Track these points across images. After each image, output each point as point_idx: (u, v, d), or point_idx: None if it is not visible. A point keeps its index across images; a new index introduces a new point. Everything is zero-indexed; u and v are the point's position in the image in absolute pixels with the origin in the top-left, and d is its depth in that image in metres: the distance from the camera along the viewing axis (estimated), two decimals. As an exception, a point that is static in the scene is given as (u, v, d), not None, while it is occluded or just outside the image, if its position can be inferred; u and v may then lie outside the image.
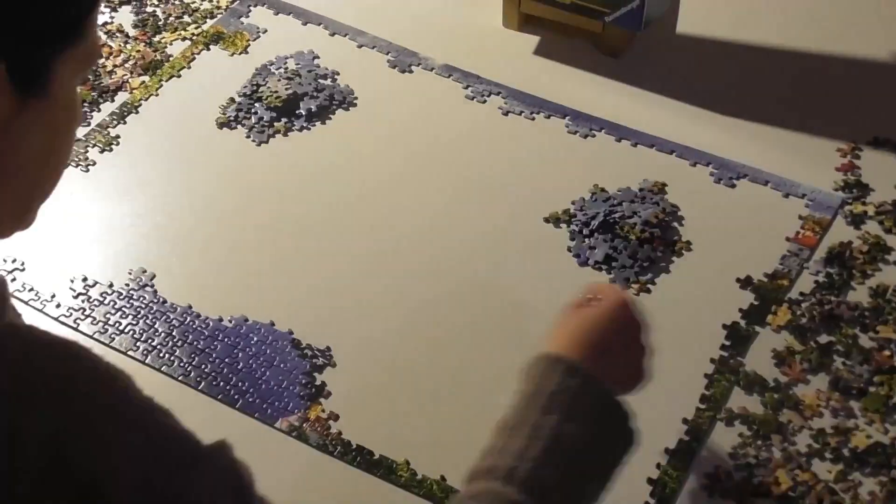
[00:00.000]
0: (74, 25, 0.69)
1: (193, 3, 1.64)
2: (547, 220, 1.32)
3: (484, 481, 0.82)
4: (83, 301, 1.25)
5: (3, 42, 0.65)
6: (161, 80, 1.52)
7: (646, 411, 1.12)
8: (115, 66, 1.53)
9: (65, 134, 0.75)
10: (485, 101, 1.48)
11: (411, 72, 1.53)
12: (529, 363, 0.88)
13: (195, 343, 1.21)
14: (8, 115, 0.67)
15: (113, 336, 1.22)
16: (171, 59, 1.55)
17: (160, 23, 1.61)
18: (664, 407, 1.13)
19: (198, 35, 1.58)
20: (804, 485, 1.07)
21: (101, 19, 1.58)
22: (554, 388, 0.85)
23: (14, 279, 1.26)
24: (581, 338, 0.90)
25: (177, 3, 1.63)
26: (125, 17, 1.62)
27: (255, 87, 1.48)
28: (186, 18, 1.61)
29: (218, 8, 1.63)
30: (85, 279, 1.27)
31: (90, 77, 1.50)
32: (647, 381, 0.93)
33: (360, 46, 1.56)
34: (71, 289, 1.26)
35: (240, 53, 1.56)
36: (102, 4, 1.61)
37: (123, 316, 1.24)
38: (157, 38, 1.58)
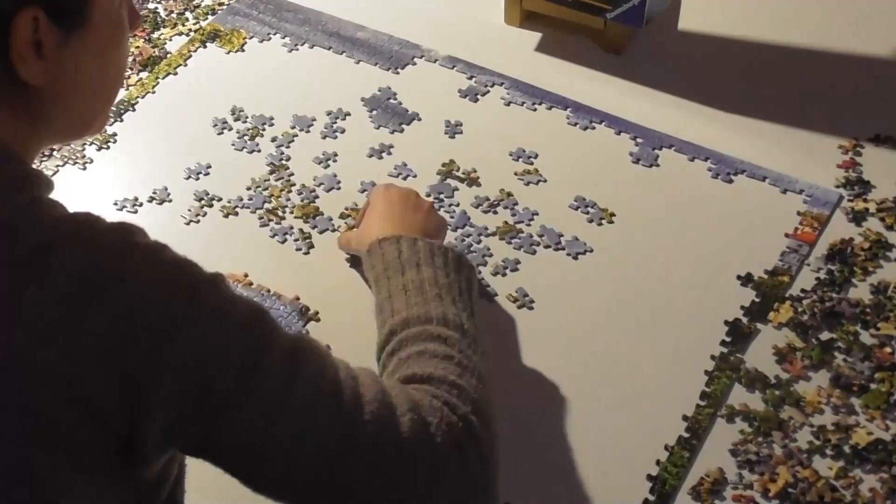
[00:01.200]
0: None
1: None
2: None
3: (402, 333, 0.94)
4: (84, 298, 1.25)
5: None
6: (158, 78, 1.52)
7: (646, 408, 1.14)
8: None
9: (114, 50, 0.82)
10: (487, 92, 1.48)
11: (414, 64, 1.53)
12: (365, 256, 1.09)
13: (196, 340, 1.21)
14: (56, 48, 0.75)
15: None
16: (168, 56, 1.55)
17: (159, 19, 1.61)
18: (664, 404, 1.13)
19: (195, 32, 1.58)
20: (805, 481, 1.06)
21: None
22: (395, 256, 1.03)
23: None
24: (378, 223, 1.12)
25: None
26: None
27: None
28: (188, 15, 1.62)
29: (220, 4, 1.63)
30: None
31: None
32: (445, 225, 1.20)
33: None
34: (71, 286, 1.26)
35: (236, 51, 1.56)
36: None
37: (124, 313, 1.24)
38: (155, 35, 1.59)
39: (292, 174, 1.38)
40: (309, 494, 0.80)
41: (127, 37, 0.83)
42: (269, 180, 1.37)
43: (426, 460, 0.80)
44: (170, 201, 1.36)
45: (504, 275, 1.26)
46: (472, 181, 1.36)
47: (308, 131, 1.44)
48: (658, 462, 1.09)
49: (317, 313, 1.23)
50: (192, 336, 0.73)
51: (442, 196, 1.34)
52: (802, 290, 1.23)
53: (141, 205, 1.35)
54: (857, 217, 1.31)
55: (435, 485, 0.80)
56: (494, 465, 0.85)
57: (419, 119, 1.45)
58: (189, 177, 1.38)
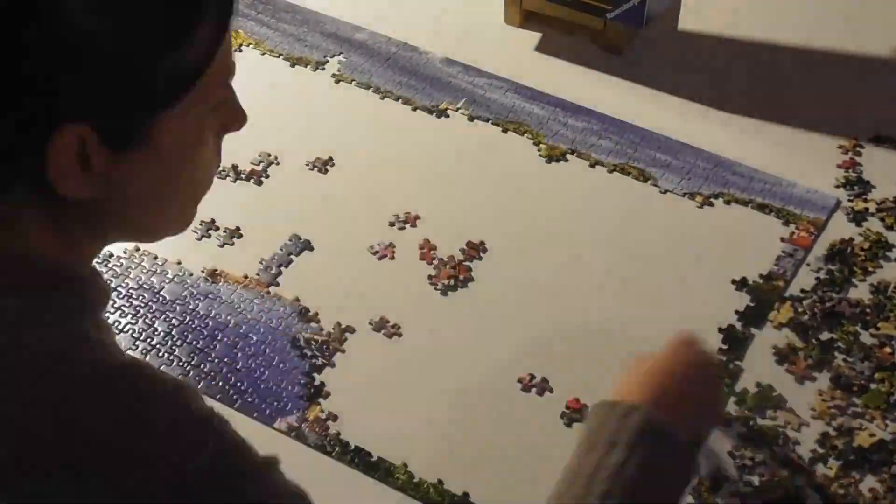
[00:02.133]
0: (168, 90, 0.65)
1: None
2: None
3: None
4: (83, 301, 1.25)
5: (88, 105, 0.63)
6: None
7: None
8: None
9: (188, 165, 0.71)
10: (484, 93, 1.49)
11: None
12: (591, 410, 0.88)
13: (194, 343, 1.21)
14: (107, 165, 0.65)
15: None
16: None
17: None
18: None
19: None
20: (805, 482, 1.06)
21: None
22: (598, 423, 0.83)
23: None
24: (643, 382, 0.87)
25: None
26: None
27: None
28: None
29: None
30: (85, 279, 1.27)
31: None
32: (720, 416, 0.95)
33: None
34: (71, 288, 1.26)
35: (234, 51, 1.55)
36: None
37: (123, 315, 1.24)
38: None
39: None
40: None
41: (211, 148, 0.73)
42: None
43: None
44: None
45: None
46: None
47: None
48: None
49: (316, 314, 1.23)
50: None
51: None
52: (803, 290, 1.23)
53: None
54: (857, 217, 1.31)
55: None
56: None
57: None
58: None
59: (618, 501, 0.78)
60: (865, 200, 1.33)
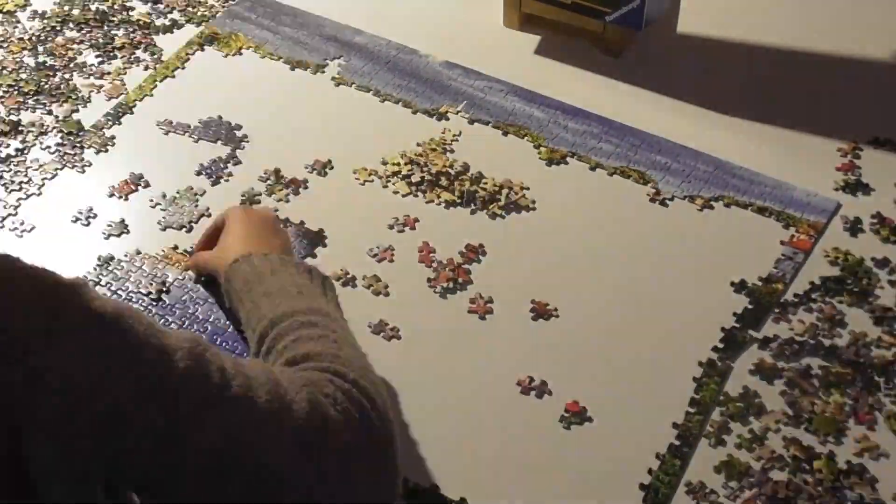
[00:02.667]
0: None
1: None
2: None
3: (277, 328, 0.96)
4: (83, 304, 1.25)
5: None
6: (155, 81, 1.53)
7: (635, 417, 1.14)
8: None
9: None
10: (484, 96, 1.49)
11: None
12: (224, 281, 1.11)
13: (194, 346, 1.21)
14: None
15: (112, 339, 1.22)
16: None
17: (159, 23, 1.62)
18: (653, 412, 1.13)
19: (194, 36, 1.59)
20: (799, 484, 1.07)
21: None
22: (250, 270, 1.06)
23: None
24: (237, 245, 1.13)
25: None
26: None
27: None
28: (200, 10, 1.63)
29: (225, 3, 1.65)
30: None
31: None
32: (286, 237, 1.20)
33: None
34: (71, 292, 1.26)
35: (234, 55, 1.56)
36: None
37: (123, 319, 1.24)
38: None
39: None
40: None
41: None
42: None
43: (332, 431, 0.81)
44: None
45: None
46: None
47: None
48: (650, 471, 1.09)
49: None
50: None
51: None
52: (795, 295, 1.23)
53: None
54: (855, 223, 1.31)
55: (345, 453, 0.81)
56: (391, 420, 0.88)
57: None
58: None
59: (310, 295, 1.02)
60: (864, 203, 1.33)
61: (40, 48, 1.57)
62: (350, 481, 0.81)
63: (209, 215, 1.34)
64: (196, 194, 1.37)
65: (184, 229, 1.33)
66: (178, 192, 1.37)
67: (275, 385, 0.80)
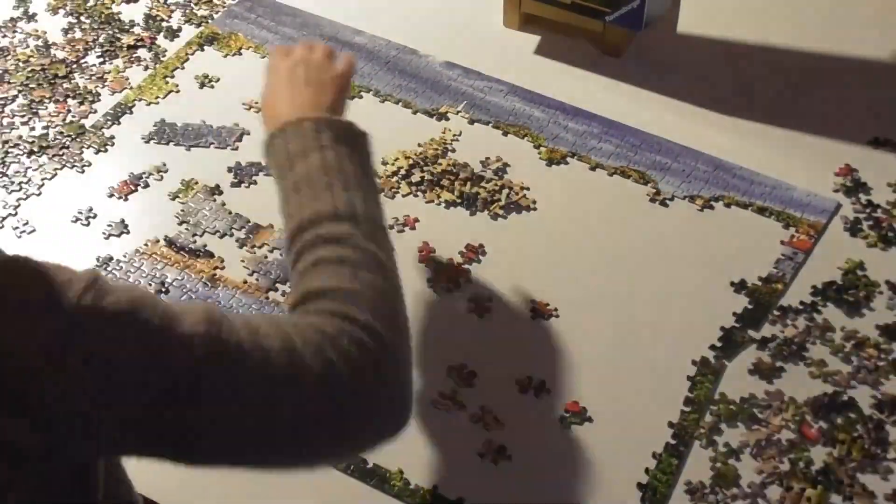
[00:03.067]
0: None
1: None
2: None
3: (313, 231, 0.91)
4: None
5: None
6: (155, 81, 1.53)
7: (631, 416, 1.14)
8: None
9: None
10: (484, 96, 1.49)
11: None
12: (263, 152, 1.01)
13: (193, 346, 1.21)
14: None
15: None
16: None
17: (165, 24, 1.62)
18: (649, 411, 1.14)
19: (193, 36, 1.60)
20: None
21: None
22: (284, 149, 0.97)
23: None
24: (280, 104, 1.03)
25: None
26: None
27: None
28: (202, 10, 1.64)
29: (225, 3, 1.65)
30: (85, 282, 1.27)
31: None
32: (347, 76, 1.08)
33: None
34: (71, 292, 1.27)
35: (233, 55, 1.56)
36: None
37: (123, 319, 1.24)
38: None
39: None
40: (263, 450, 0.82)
41: None
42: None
43: (343, 387, 0.81)
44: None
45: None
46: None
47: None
48: (647, 470, 1.09)
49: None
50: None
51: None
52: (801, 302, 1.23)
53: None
54: (854, 223, 1.31)
55: (357, 407, 0.82)
56: (407, 362, 0.87)
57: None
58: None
59: (340, 185, 0.94)
60: (863, 204, 1.33)
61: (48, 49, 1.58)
62: (359, 436, 0.84)
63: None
64: (196, 194, 1.37)
65: (183, 226, 1.33)
66: (178, 192, 1.38)
67: (289, 354, 0.80)
